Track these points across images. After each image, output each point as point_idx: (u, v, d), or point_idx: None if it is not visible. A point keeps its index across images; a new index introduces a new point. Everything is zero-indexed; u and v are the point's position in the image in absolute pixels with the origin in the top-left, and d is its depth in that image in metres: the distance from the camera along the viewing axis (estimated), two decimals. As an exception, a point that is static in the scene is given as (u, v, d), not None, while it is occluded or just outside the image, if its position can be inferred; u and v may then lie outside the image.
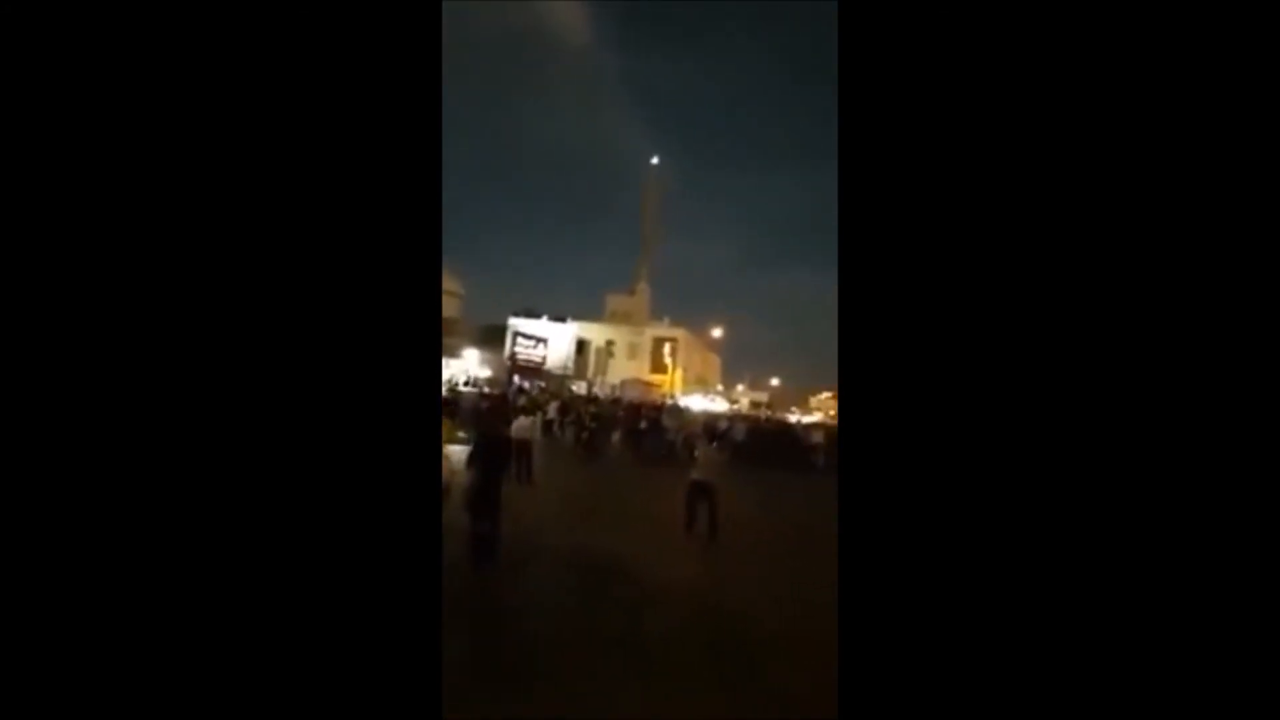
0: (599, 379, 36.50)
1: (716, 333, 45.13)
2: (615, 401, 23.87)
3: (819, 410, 55.57)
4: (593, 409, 16.63)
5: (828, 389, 65.53)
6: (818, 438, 17.50)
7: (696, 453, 7.78)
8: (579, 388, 31.88)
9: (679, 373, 40.97)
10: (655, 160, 53.55)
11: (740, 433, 16.15)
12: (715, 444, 8.33)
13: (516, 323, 39.84)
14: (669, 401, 30.36)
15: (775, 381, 56.94)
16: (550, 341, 38.34)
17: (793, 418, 35.95)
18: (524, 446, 8.49)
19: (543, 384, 29.49)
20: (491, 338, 36.78)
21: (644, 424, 16.30)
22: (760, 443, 16.83)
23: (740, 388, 52.69)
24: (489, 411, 8.08)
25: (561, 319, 42.55)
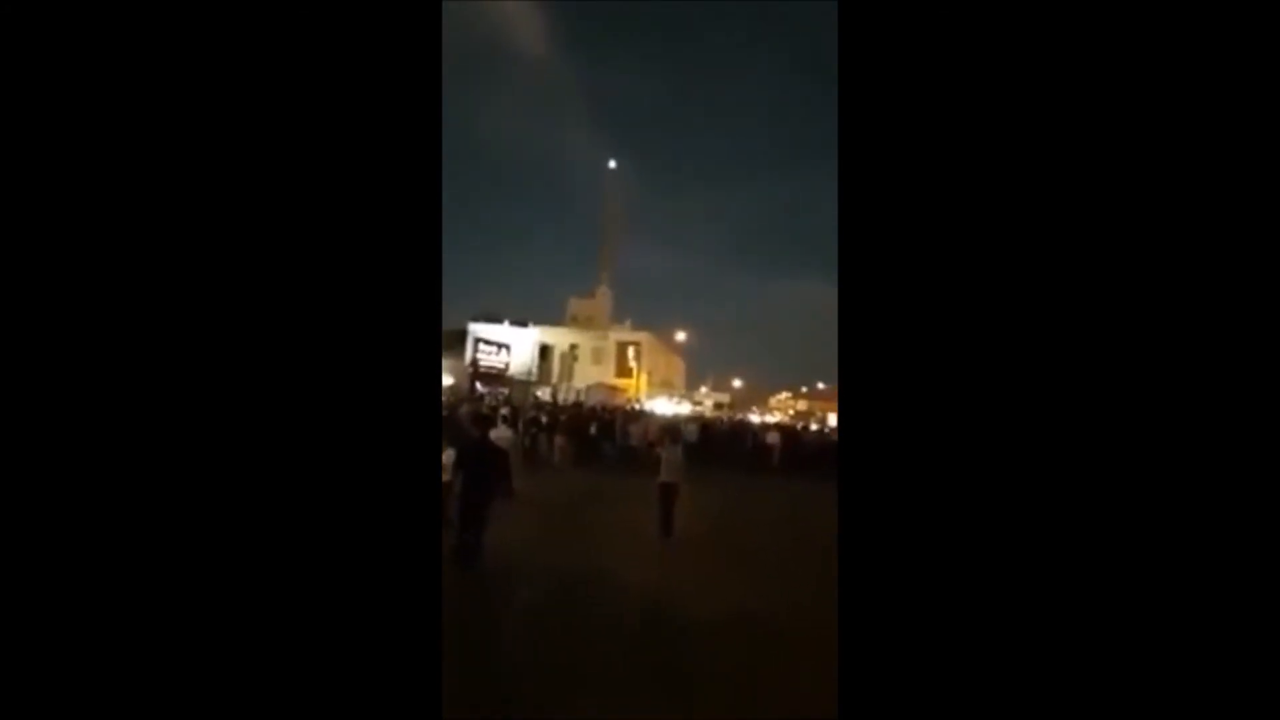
0: (564, 384, 36.30)
1: (680, 336, 45.46)
2: (577, 406, 23.82)
3: (778, 410, 56.45)
4: (535, 414, 16.46)
5: (787, 389, 66.64)
6: (774, 438, 17.78)
7: (664, 454, 7.87)
8: (543, 393, 31.70)
9: (644, 376, 41.06)
10: (613, 164, 53.36)
11: (693, 434, 16.24)
12: (679, 446, 8.40)
13: (477, 328, 39.50)
14: (633, 405, 30.47)
15: (737, 383, 57.54)
16: (513, 347, 38.03)
17: (754, 418, 36.37)
18: (503, 457, 8.42)
19: (505, 390, 29.25)
20: (451, 344, 36.33)
21: (594, 429, 16.20)
22: (721, 443, 17.00)
23: (703, 389, 53.08)
24: (474, 419, 7.96)
25: (523, 323, 42.35)
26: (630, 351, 43.48)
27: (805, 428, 25.75)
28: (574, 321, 46.01)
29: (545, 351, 42.22)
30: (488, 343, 36.60)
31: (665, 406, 34.57)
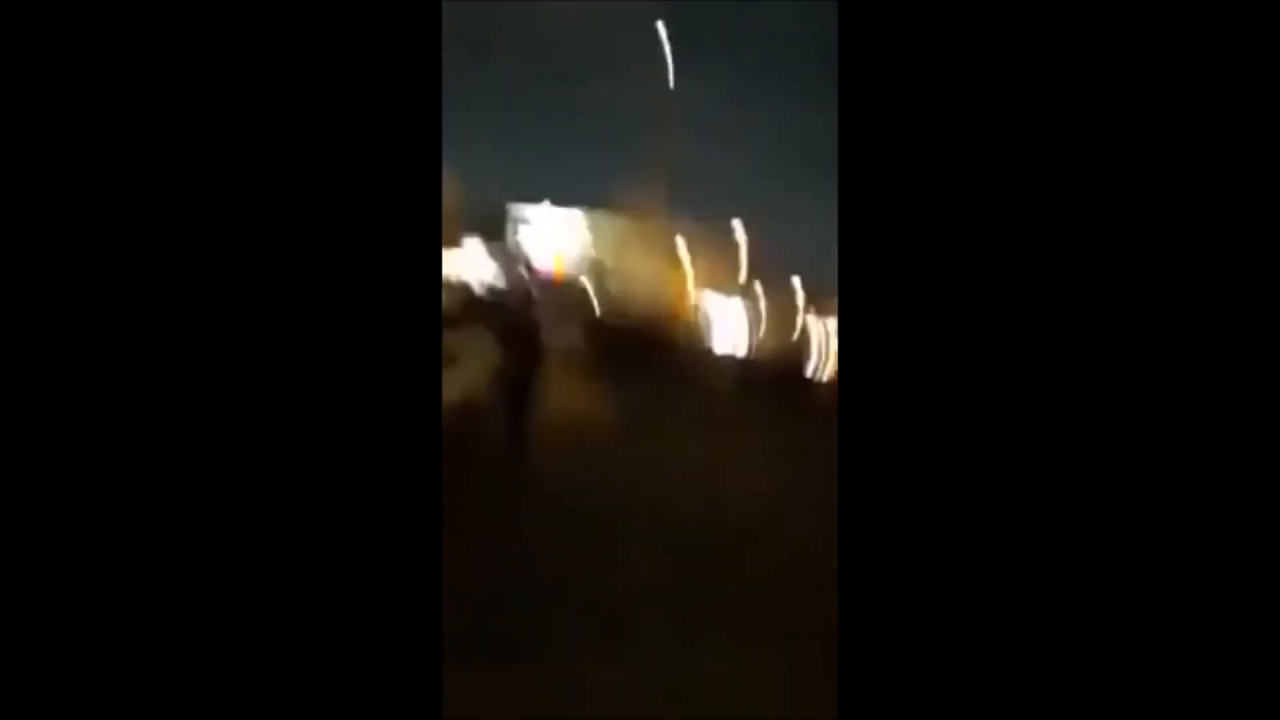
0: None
1: (739, 232, 40.40)
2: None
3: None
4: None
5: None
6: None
7: None
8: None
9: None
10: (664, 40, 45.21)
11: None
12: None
13: (520, 209, 34.72)
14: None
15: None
16: (560, 236, 33.71)
17: None
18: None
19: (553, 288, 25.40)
20: (491, 228, 32.03)
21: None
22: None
23: (758, 287, 49.23)
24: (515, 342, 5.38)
25: (570, 207, 37.34)
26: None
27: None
28: (621, 211, 40.84)
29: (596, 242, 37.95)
30: (531, 227, 32.12)
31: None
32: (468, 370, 5.43)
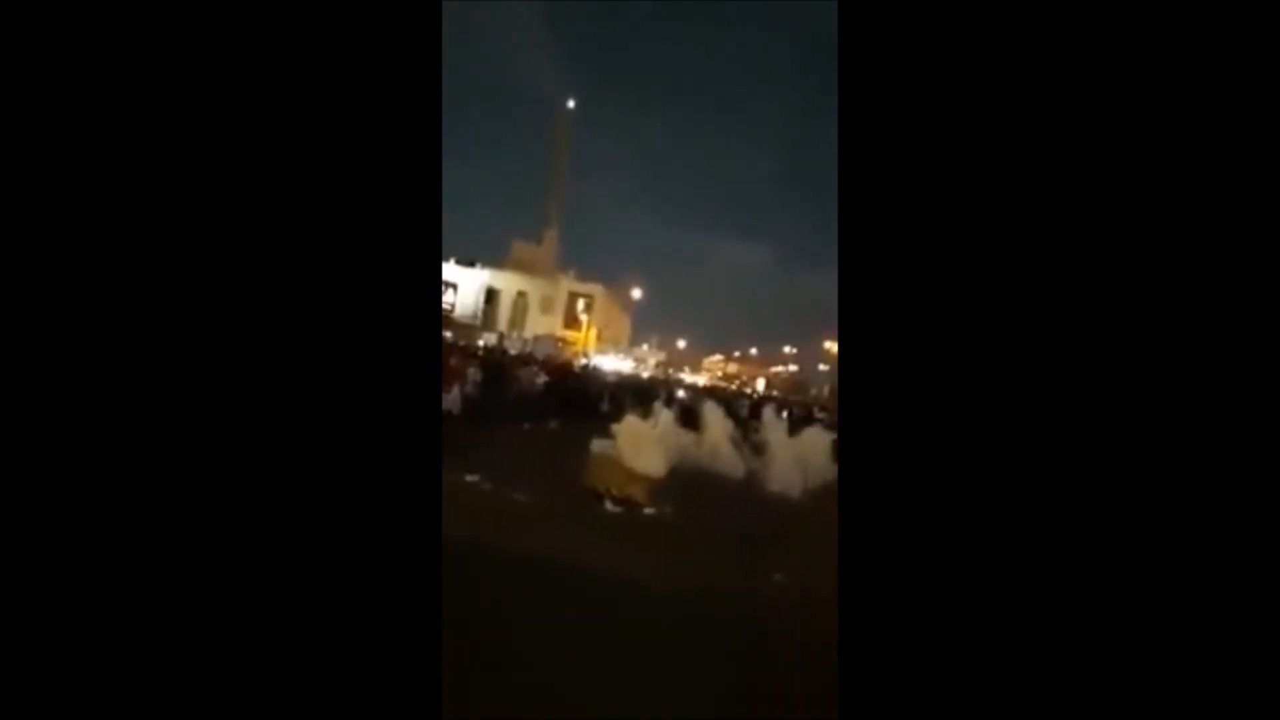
0: (514, 332, 34.87)
1: (636, 293, 44.28)
2: (526, 358, 22.59)
3: (707, 371, 57.12)
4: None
5: (722, 353, 67.41)
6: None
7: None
8: (485, 340, 30.27)
9: (593, 331, 40.10)
10: (571, 104, 49.88)
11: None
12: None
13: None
14: (584, 361, 29.68)
15: (681, 344, 57.62)
16: (459, 288, 36.11)
17: (685, 377, 36.33)
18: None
19: (448, 334, 27.72)
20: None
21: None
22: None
23: (644, 347, 52.85)
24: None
25: (470, 263, 40.01)
26: (580, 303, 42.29)
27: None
28: (517, 265, 43.55)
29: (492, 295, 40.18)
30: (432, 281, 34.45)
31: (611, 363, 33.95)
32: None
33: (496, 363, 16.57)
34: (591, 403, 14.39)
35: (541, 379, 16.03)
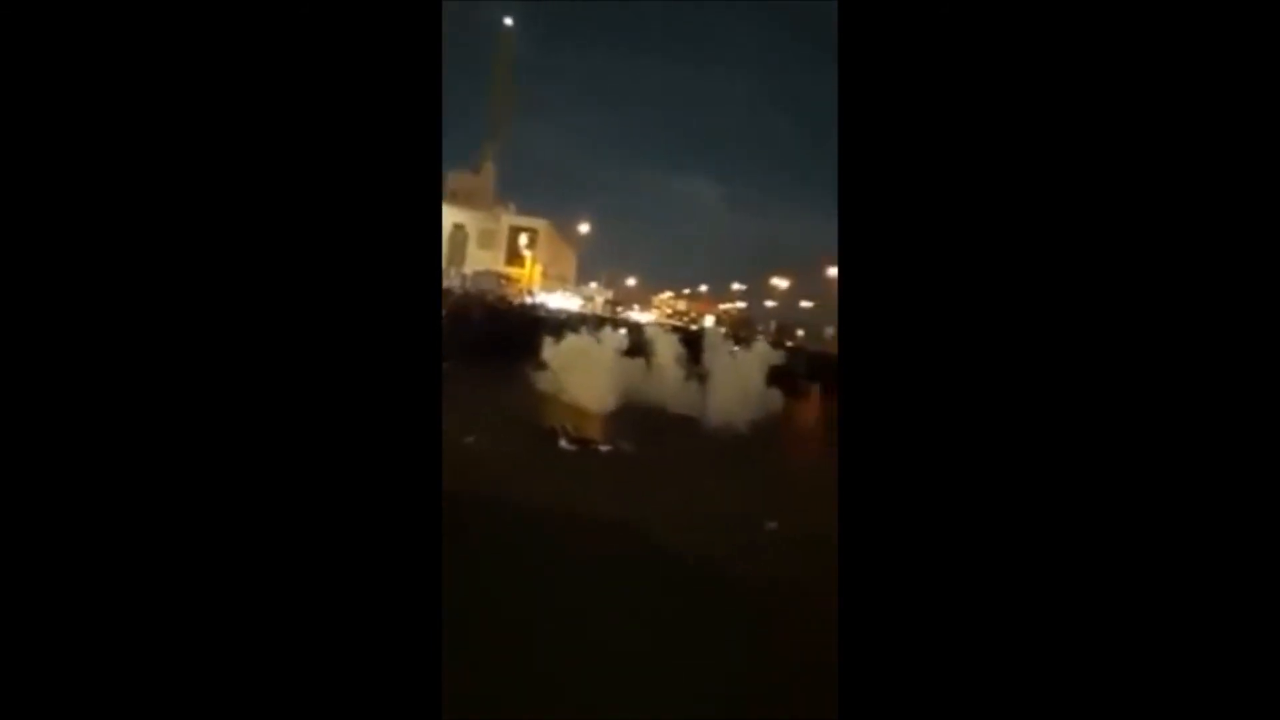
0: (453, 269, 33.15)
1: (584, 228, 42.65)
2: (466, 296, 21.44)
3: (658, 308, 56.70)
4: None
5: (671, 289, 66.88)
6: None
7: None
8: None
9: (538, 267, 38.65)
10: (508, 21, 45.47)
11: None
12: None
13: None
14: (528, 299, 28.60)
15: (631, 281, 56.65)
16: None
17: (634, 315, 35.68)
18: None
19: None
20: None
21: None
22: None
23: (593, 285, 51.70)
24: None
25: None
26: (524, 238, 40.49)
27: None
28: (454, 198, 40.89)
29: (428, 229, 37.81)
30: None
31: (558, 301, 32.90)
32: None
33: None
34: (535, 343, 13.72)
35: (478, 315, 15.18)
